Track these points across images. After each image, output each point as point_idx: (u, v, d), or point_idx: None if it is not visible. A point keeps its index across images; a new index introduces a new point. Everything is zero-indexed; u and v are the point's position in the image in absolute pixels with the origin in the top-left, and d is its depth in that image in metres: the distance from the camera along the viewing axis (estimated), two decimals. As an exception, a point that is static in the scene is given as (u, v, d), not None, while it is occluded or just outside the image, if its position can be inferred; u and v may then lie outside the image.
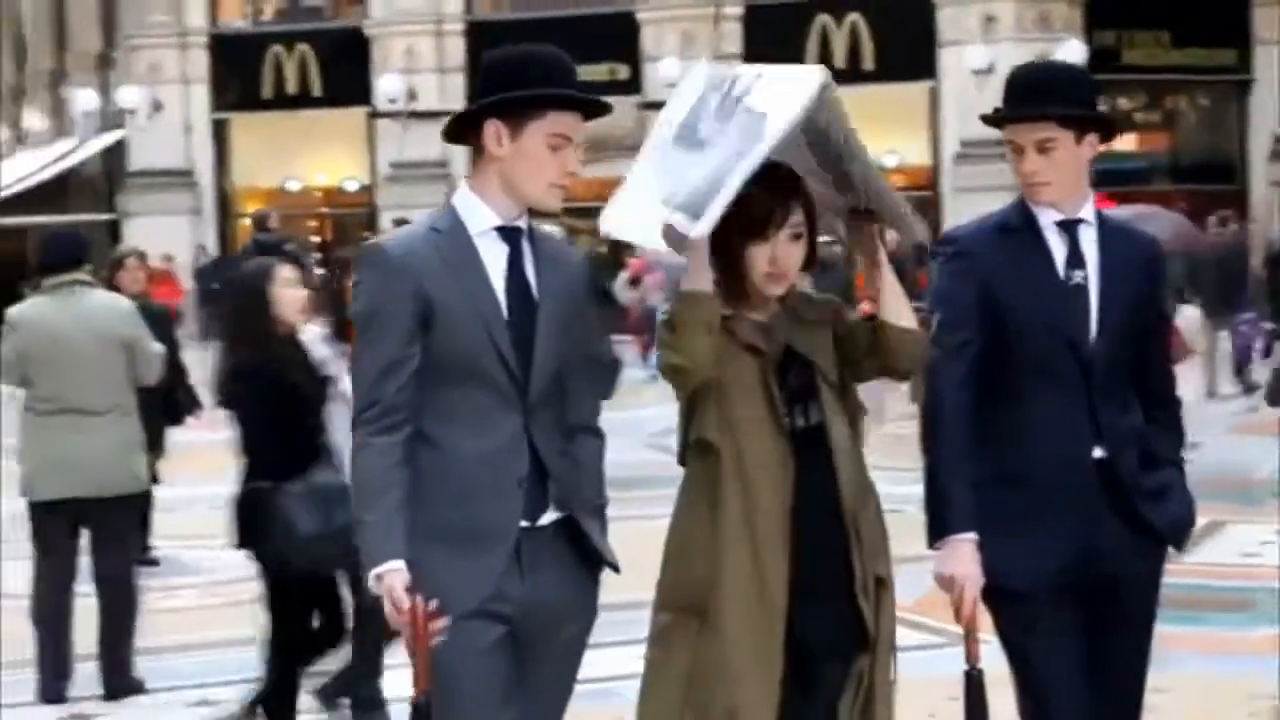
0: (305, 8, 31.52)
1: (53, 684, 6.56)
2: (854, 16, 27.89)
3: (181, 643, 7.14)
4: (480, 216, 3.44)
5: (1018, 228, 3.74)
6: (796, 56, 27.59)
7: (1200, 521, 4.01)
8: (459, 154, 30.40)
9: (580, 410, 3.57)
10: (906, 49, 27.59)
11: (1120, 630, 3.75)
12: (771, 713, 3.44)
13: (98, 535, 6.62)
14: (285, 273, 5.55)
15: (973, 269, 3.71)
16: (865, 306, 3.70)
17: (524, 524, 3.42)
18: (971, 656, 3.61)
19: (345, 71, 29.96)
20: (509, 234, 3.46)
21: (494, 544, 3.39)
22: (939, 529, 3.67)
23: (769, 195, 3.49)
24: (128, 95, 31.14)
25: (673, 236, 3.45)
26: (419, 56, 29.67)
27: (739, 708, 3.42)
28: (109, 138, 33.21)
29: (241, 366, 5.49)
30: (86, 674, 6.66)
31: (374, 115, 29.86)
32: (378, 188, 29.93)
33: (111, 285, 8.70)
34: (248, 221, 30.49)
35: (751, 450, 3.47)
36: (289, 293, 5.50)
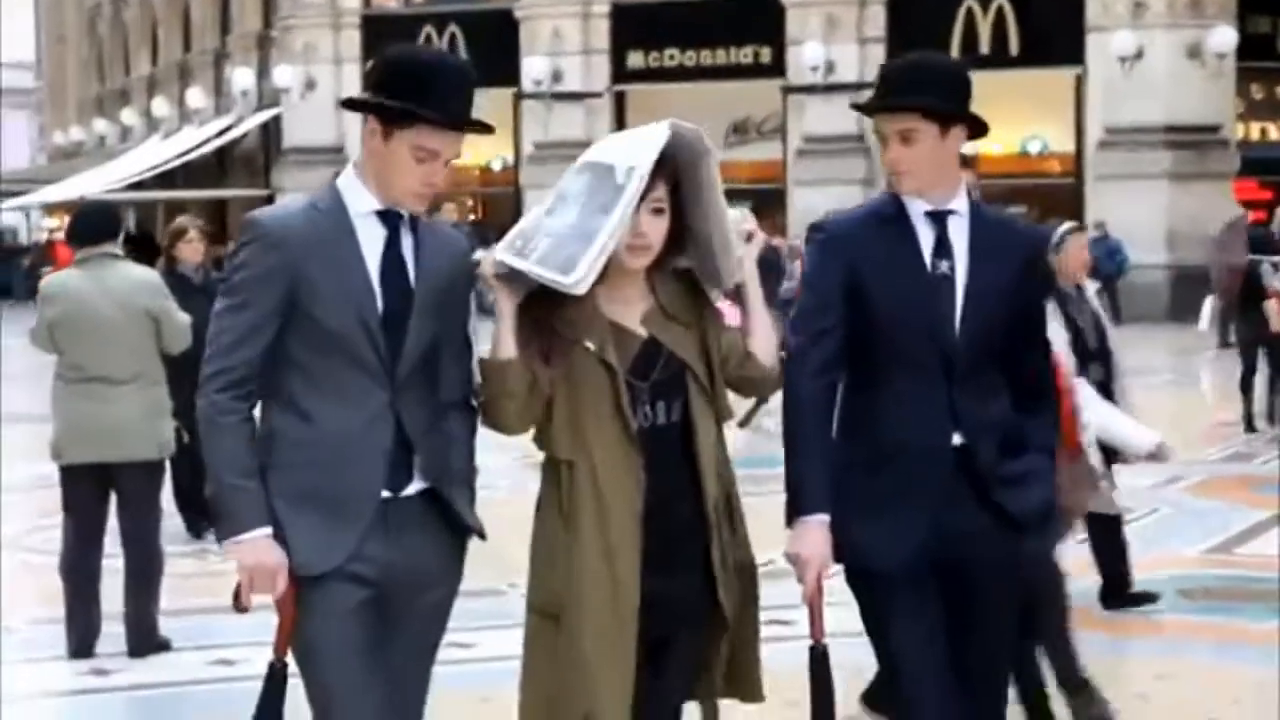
0: (457, -11, 31.90)
1: (80, 640, 6.82)
2: (1001, 1, 27.54)
3: (207, 605, 7.35)
4: (362, 199, 3.56)
5: (887, 217, 3.80)
6: (942, 41, 27.37)
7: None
8: (601, 136, 30.41)
9: (451, 385, 3.68)
10: (1053, 34, 27.22)
11: (979, 614, 3.80)
12: (626, 713, 3.54)
13: (123, 499, 6.87)
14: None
15: (839, 256, 3.77)
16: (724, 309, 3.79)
17: (387, 494, 3.55)
18: (815, 633, 3.71)
19: (493, 52, 30.23)
20: (388, 218, 3.57)
21: (354, 511, 3.52)
22: (793, 509, 3.75)
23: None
24: (283, 74, 31.84)
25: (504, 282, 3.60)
26: (565, 38, 29.91)
27: (593, 713, 3.53)
28: (265, 115, 33.98)
29: None
30: (116, 633, 6.90)
31: (520, 96, 30.14)
32: (522, 167, 30.24)
33: (171, 256, 9.00)
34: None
35: (603, 461, 3.58)
36: None
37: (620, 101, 29.75)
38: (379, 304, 3.52)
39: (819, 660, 3.69)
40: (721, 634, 3.66)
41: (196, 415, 3.55)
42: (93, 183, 36.76)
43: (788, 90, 28.65)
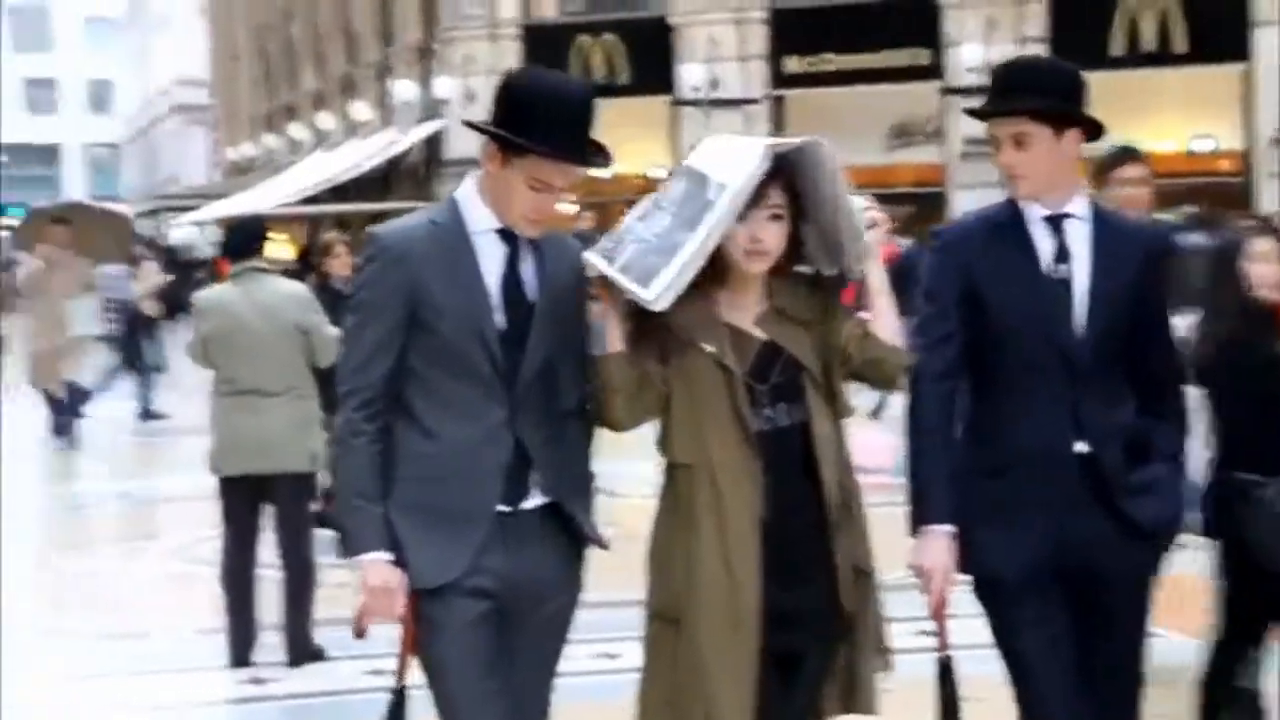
0: (614, -2, 32.06)
1: (238, 649, 6.98)
2: (1166, -2, 27.08)
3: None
4: (481, 216, 3.61)
5: (1004, 222, 3.79)
6: (1103, 40, 27.04)
7: None
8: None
9: (570, 396, 3.71)
10: (1219, 30, 26.65)
11: (1108, 625, 3.77)
12: (746, 718, 3.54)
13: (278, 509, 7.01)
14: (1261, 245, 5.06)
15: (955, 263, 3.77)
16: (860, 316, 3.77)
17: (506, 509, 3.60)
18: (941, 645, 3.70)
19: (649, 60, 30.41)
20: (508, 235, 3.62)
21: (472, 523, 3.58)
22: (916, 519, 3.74)
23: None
24: (443, 86, 32.19)
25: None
26: (721, 45, 29.90)
27: (712, 717, 3.54)
28: (428, 127, 34.38)
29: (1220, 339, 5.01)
30: (273, 642, 7.04)
31: (676, 103, 30.19)
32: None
33: (322, 271, 9.17)
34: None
35: (722, 464, 3.59)
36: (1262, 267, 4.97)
37: (778, 107, 29.66)
38: (498, 320, 3.58)
39: (945, 672, 3.69)
40: (842, 647, 3.66)
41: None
42: (263, 197, 37.47)
43: (946, 92, 28.35)
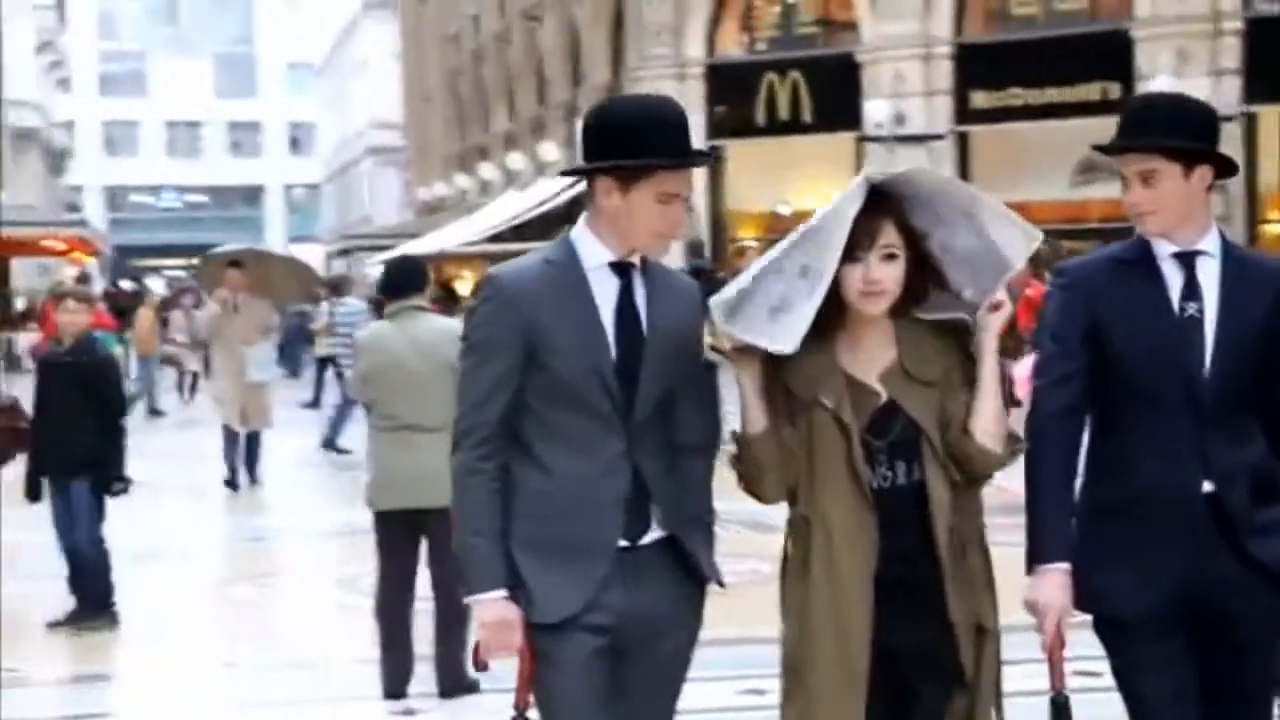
0: (799, 35, 32.05)
1: (393, 680, 7.09)
2: (1366, 25, 26.33)
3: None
4: (594, 252, 3.66)
5: (1132, 260, 3.75)
6: (1302, 71, 26.38)
7: None
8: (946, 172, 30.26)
9: (690, 430, 3.73)
10: None
11: (1234, 667, 3.70)
12: None
13: (432, 544, 7.10)
14: None
15: (1080, 300, 3.73)
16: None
17: (624, 543, 3.62)
18: (1056, 683, 3.65)
19: (835, 97, 30.34)
20: (621, 269, 3.66)
21: (592, 559, 3.61)
22: (1033, 556, 3.71)
23: (860, 215, 3.56)
24: (629, 125, 32.44)
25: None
26: (907, 80, 29.74)
27: None
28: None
29: None
30: (426, 673, 7.14)
31: (861, 139, 30.09)
32: (865, 211, 30.14)
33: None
34: (745, 243, 31.63)
35: (837, 518, 3.58)
36: None
37: (964, 142, 29.42)
38: (612, 354, 3.61)
39: (1061, 711, 3.64)
40: (959, 693, 3.62)
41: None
42: (452, 236, 38.08)
43: (1137, 126, 27.86)
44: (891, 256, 3.59)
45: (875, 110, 29.74)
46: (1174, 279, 3.71)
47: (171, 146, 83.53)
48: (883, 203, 3.60)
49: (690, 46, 32.21)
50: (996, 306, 3.64)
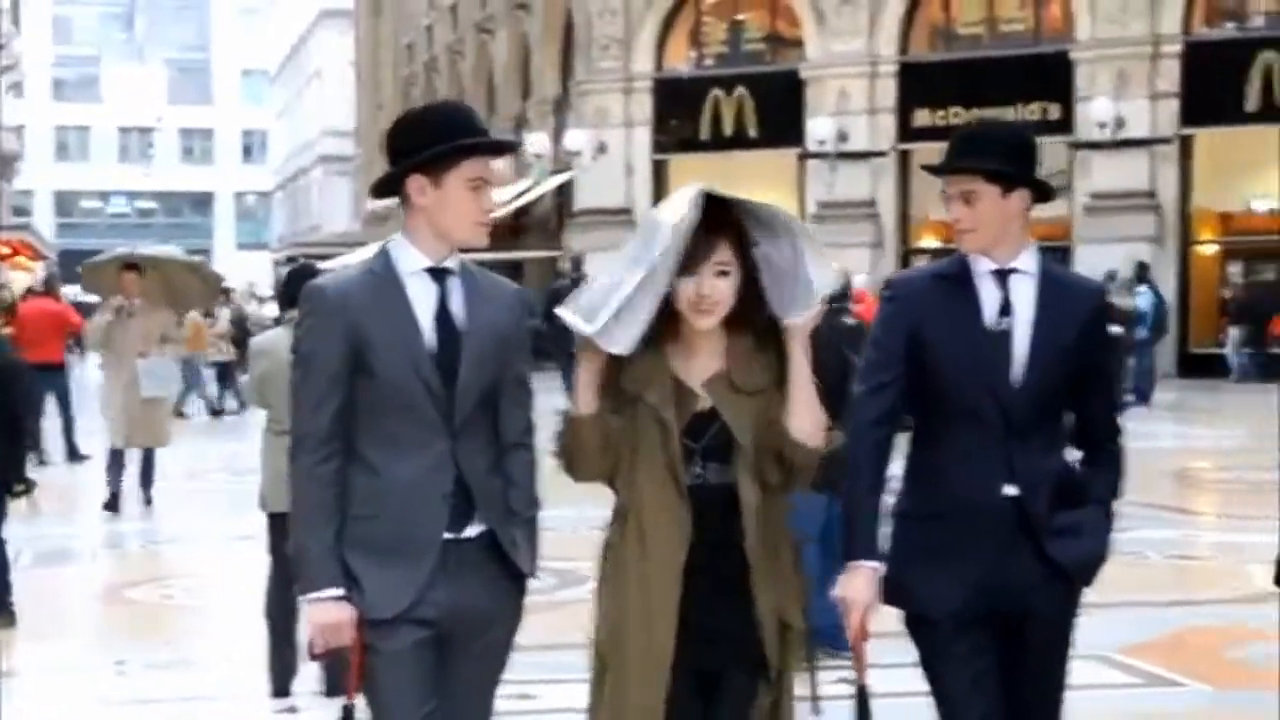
0: (745, 52, 32.27)
1: (279, 678, 7.17)
2: (1300, 52, 26.69)
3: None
4: (411, 259, 3.80)
5: (952, 276, 3.93)
6: (1236, 94, 26.73)
7: None
8: (886, 195, 30.69)
9: (512, 429, 3.89)
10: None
11: (1031, 661, 3.91)
12: None
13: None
14: None
15: (903, 313, 3.91)
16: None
17: (449, 536, 3.76)
18: (859, 674, 3.85)
19: (780, 113, 30.59)
20: (438, 274, 3.80)
21: (420, 555, 3.75)
22: (845, 554, 3.89)
23: (697, 230, 3.71)
24: (575, 138, 32.61)
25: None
26: (851, 98, 30.00)
27: None
28: (560, 178, 34.81)
29: None
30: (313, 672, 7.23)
31: (804, 156, 30.33)
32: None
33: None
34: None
35: (652, 512, 3.75)
36: None
37: (905, 160, 29.67)
38: (431, 355, 3.74)
39: (862, 701, 3.82)
40: (764, 687, 3.77)
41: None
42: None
43: (1075, 146, 28.20)
44: (724, 273, 3.74)
45: (819, 127, 30.00)
46: (990, 295, 3.88)
47: (123, 152, 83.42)
48: (721, 220, 3.74)
49: (638, 61, 32.41)
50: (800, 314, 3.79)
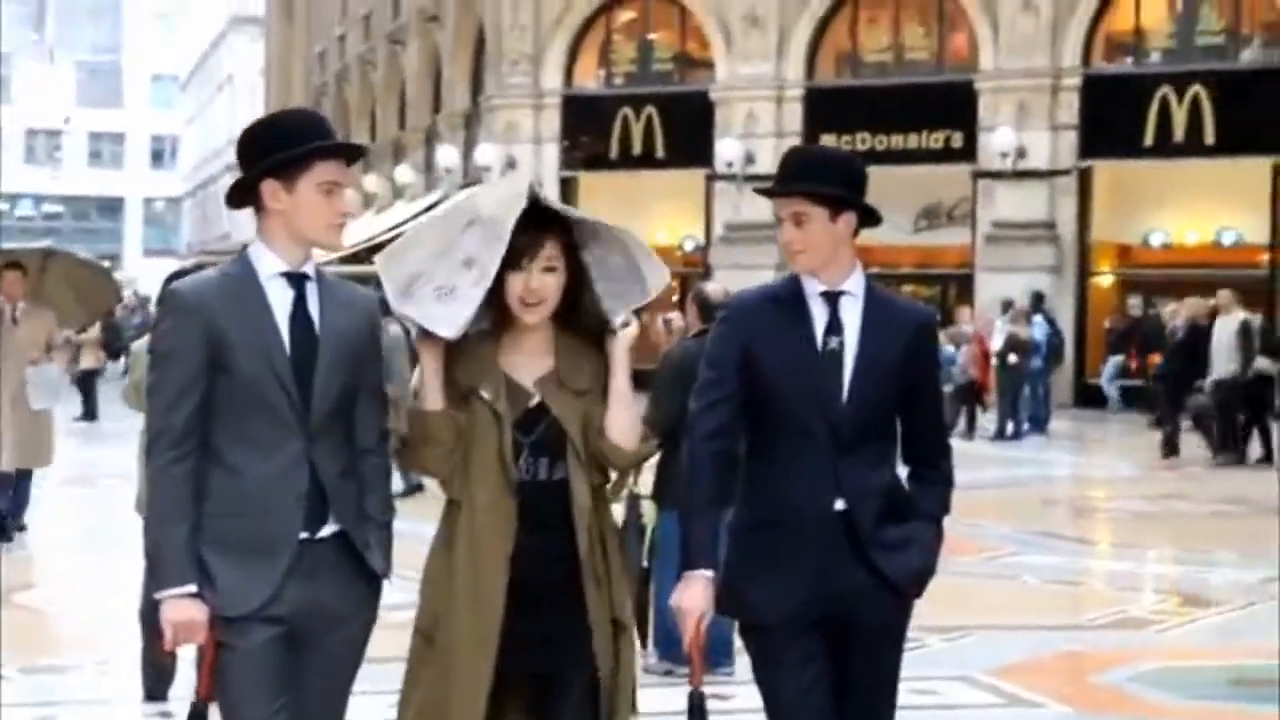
0: (655, 72, 32.42)
1: (154, 683, 7.18)
2: (1196, 89, 27.11)
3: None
4: (268, 263, 3.89)
5: (784, 296, 4.06)
6: (1135, 129, 27.17)
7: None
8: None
9: (367, 433, 3.98)
10: (1252, 124, 26.69)
11: (861, 669, 4.03)
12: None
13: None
14: None
15: (737, 332, 4.03)
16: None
17: (304, 535, 3.85)
18: (694, 680, 3.97)
19: (688, 134, 30.74)
20: (294, 279, 3.89)
21: (275, 553, 3.83)
22: (683, 564, 4.00)
23: (525, 228, 3.86)
24: (485, 153, 32.64)
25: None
26: (758, 121, 30.20)
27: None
28: (467, 193, 34.79)
29: None
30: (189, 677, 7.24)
31: (712, 177, 30.51)
32: (713, 247, 30.54)
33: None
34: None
35: (483, 504, 3.88)
36: None
37: (810, 184, 29.80)
38: (288, 355, 3.83)
39: (696, 706, 3.93)
40: (599, 684, 3.89)
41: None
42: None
43: (978, 175, 28.56)
44: (551, 269, 3.89)
45: (726, 149, 30.18)
46: (819, 315, 4.01)
47: (30, 154, 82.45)
48: (548, 219, 3.90)
49: (548, 77, 32.48)
50: (625, 324, 3.97)
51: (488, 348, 3.93)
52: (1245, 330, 18.80)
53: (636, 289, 3.97)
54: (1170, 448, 19.03)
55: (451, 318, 3.83)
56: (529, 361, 3.95)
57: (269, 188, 3.85)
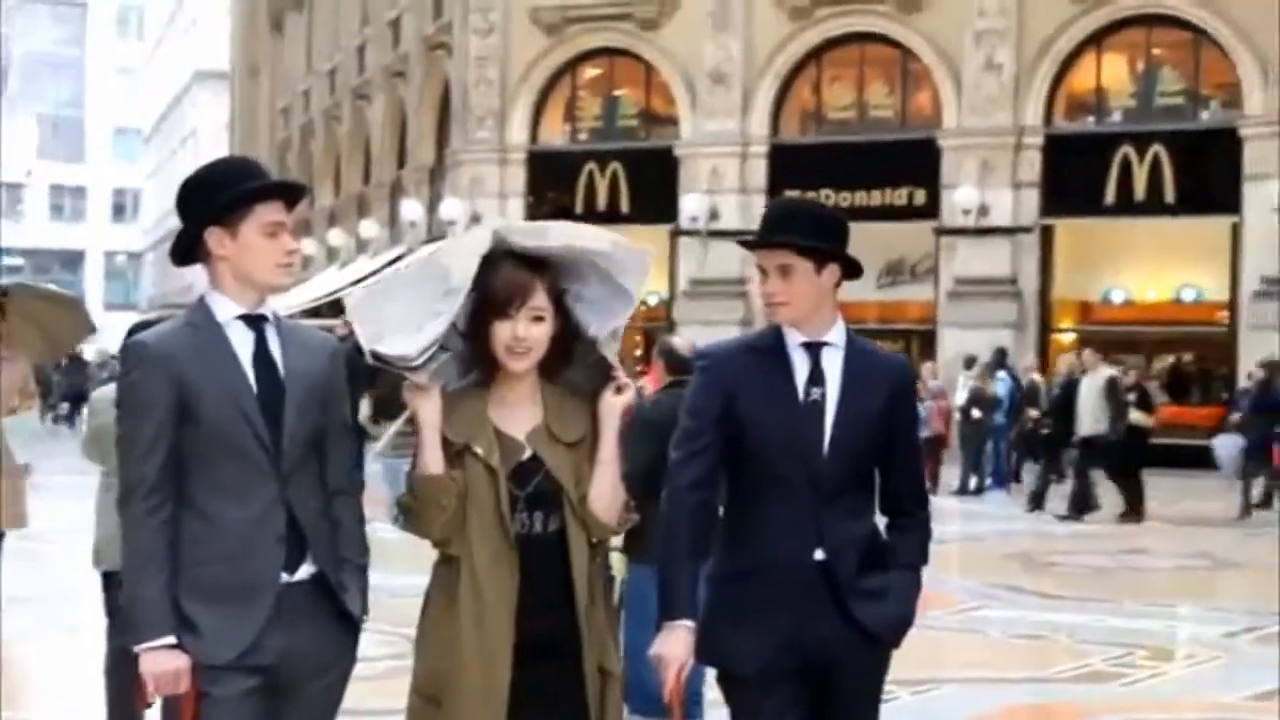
0: (620, 128, 32.51)
1: (119, 736, 7.10)
2: (1156, 148, 27.31)
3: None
4: (225, 307, 3.89)
5: (766, 347, 4.05)
6: (1097, 187, 27.38)
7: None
8: (753, 270, 30.73)
9: (338, 475, 3.97)
10: (1210, 183, 26.95)
11: (840, 715, 4.01)
12: None
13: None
14: None
15: (718, 382, 4.01)
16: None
17: (285, 578, 3.82)
18: None
19: (653, 189, 30.83)
20: (253, 321, 3.89)
21: (255, 599, 3.80)
22: (662, 613, 3.98)
23: (513, 276, 3.83)
24: (449, 207, 32.64)
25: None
26: (723, 177, 30.31)
27: None
28: (432, 248, 34.75)
29: None
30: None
31: (676, 233, 30.57)
32: (677, 302, 30.58)
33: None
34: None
35: (483, 560, 3.82)
36: None
37: (774, 240, 29.90)
38: (255, 397, 3.82)
39: None
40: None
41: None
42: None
43: (941, 232, 28.70)
44: (539, 319, 3.85)
45: (691, 204, 30.26)
46: (801, 366, 4.01)
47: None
48: (536, 266, 3.87)
49: (513, 133, 32.55)
50: (620, 390, 3.93)
51: (478, 402, 3.89)
52: (1112, 386, 18.94)
53: (619, 304, 3.94)
54: (1036, 503, 19.46)
55: (413, 343, 3.79)
56: (516, 414, 3.91)
57: (214, 236, 3.86)
